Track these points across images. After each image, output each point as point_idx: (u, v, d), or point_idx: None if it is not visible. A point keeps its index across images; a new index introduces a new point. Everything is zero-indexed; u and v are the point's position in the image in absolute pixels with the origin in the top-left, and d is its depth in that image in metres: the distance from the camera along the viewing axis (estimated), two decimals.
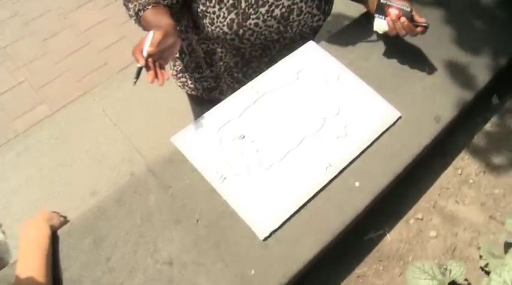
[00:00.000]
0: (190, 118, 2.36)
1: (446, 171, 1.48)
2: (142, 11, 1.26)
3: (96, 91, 2.76)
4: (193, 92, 1.72)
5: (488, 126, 1.58)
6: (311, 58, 1.40)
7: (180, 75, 1.70)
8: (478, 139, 1.55)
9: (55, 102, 2.70)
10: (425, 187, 1.44)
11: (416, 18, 1.29)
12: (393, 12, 1.29)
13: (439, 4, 1.69)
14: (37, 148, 2.50)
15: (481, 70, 1.49)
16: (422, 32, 1.31)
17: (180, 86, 1.74)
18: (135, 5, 1.27)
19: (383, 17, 1.32)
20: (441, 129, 1.34)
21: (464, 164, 1.49)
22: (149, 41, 1.09)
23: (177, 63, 1.68)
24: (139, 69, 1.09)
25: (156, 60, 1.11)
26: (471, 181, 1.46)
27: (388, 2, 1.30)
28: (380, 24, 1.34)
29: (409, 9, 1.27)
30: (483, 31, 1.61)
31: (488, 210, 1.39)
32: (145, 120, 2.64)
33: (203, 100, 1.73)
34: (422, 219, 1.38)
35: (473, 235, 1.34)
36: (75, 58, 2.90)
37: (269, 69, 1.36)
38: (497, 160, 1.50)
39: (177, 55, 1.63)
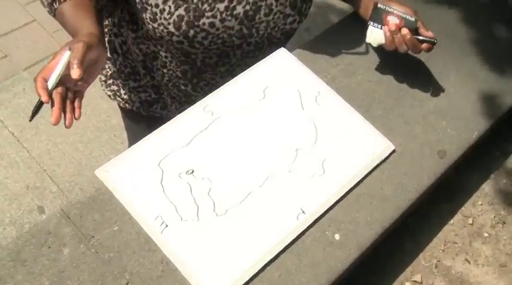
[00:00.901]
0: (123, 139, 2.42)
1: (452, 220, 1.59)
2: (57, 2, 1.30)
3: None
4: (127, 105, 1.79)
5: (509, 163, 1.72)
6: (282, 71, 1.49)
7: (111, 81, 1.77)
8: (496, 179, 1.68)
9: None
10: (426, 241, 1.54)
11: (422, 31, 1.38)
12: (393, 21, 1.38)
13: (453, 2, 1.81)
14: None
15: (502, 92, 1.61)
16: (429, 50, 1.40)
17: (110, 96, 1.82)
18: None
19: (379, 26, 1.41)
20: (446, 166, 1.43)
21: (477, 211, 1.61)
22: (61, 67, 1.09)
23: (107, 66, 1.75)
24: (40, 105, 1.09)
25: (71, 87, 1.13)
26: (486, 234, 1.57)
27: (387, 8, 1.39)
28: (375, 35, 1.43)
29: (413, 19, 1.36)
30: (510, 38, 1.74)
31: (511, 274, 1.49)
32: (62, 136, 2.71)
33: (140, 116, 1.81)
34: (421, 282, 1.46)
35: None
36: None
37: (227, 83, 1.45)
38: None
39: (108, 54, 1.69)
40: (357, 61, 1.59)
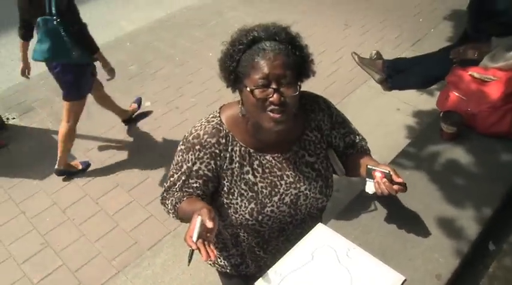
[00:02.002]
0: None
1: None
2: (178, 203, 1.56)
3: (128, 269, 2.99)
4: (222, 269, 1.92)
5: (490, 272, 1.75)
6: (322, 239, 1.63)
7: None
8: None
9: (91, 283, 2.92)
10: None
11: (394, 177, 1.48)
12: (378, 175, 1.53)
13: (422, 168, 1.97)
14: None
15: (471, 222, 1.72)
16: (402, 190, 1.51)
17: (210, 264, 1.96)
18: (171, 201, 1.59)
19: (372, 180, 1.57)
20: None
21: None
22: (198, 226, 1.31)
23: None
24: (192, 252, 1.31)
25: (205, 240, 1.34)
26: None
27: (373, 167, 1.56)
28: (369, 186, 1.59)
29: (388, 171, 1.52)
30: (466, 187, 1.88)
31: None
32: None
33: (231, 275, 1.93)
34: None
35: None
36: (107, 239, 3.17)
37: (287, 252, 1.60)
38: None
39: None
40: (371, 222, 1.72)
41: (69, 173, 3.68)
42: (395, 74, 2.99)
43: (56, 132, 3.99)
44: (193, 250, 1.30)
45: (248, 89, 1.39)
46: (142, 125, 4.17)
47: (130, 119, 4.17)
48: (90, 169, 3.75)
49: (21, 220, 3.36)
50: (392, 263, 1.57)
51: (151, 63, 4.77)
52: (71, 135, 3.54)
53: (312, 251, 1.60)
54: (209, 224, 1.31)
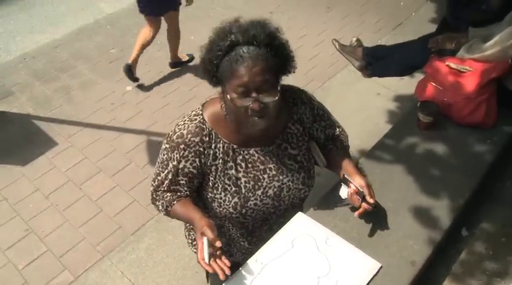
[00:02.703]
0: (201, 273, 2.60)
1: None
2: (170, 207, 1.64)
3: (113, 254, 3.04)
4: None
5: (462, 257, 1.86)
6: (302, 228, 1.70)
7: (195, 243, 1.91)
8: (455, 270, 1.81)
9: (76, 268, 2.96)
10: None
11: (367, 198, 1.57)
12: (352, 187, 1.63)
13: (399, 159, 2.05)
14: None
15: (445, 210, 1.81)
16: (370, 209, 1.59)
17: (195, 252, 1.96)
18: (162, 203, 1.65)
19: (346, 187, 1.66)
20: (417, 271, 1.62)
21: None
22: (206, 247, 1.40)
23: (191, 233, 1.98)
24: (208, 273, 1.49)
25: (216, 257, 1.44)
26: None
27: (349, 179, 1.65)
28: (343, 191, 1.69)
29: (362, 190, 1.60)
30: (440, 177, 1.96)
31: None
32: (161, 277, 2.89)
33: None
34: None
35: None
36: (91, 225, 3.21)
37: (268, 241, 1.66)
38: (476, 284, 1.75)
39: (191, 227, 1.93)
40: (348, 211, 1.78)
41: (180, 63, 4.53)
42: (375, 61, 3.05)
43: (37, 117, 4.03)
44: (208, 272, 1.43)
45: (229, 97, 1.43)
46: (125, 110, 4.16)
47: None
48: (72, 154, 3.75)
49: (3, 206, 3.36)
50: (369, 250, 1.64)
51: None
52: (178, 34, 4.33)
53: (292, 240, 1.66)
54: (218, 244, 1.41)
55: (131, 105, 4.22)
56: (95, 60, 4.77)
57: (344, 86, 4.31)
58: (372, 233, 1.72)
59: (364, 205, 1.57)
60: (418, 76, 2.52)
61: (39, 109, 4.18)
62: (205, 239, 1.42)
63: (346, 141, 1.87)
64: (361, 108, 4.02)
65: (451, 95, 2.16)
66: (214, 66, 1.46)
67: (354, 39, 3.35)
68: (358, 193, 1.61)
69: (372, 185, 1.65)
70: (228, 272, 1.39)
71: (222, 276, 1.38)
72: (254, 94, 1.41)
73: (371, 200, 1.56)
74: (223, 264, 1.40)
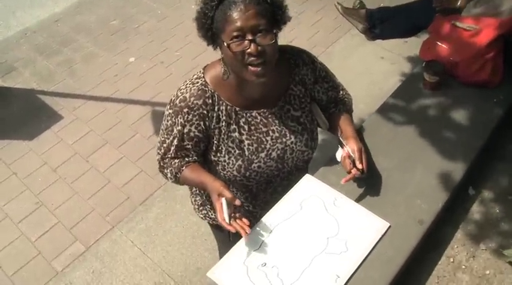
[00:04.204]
0: (211, 241, 2.62)
1: (440, 261, 1.72)
2: (179, 173, 1.63)
3: (122, 224, 3.07)
4: (214, 221, 1.98)
5: (470, 215, 1.86)
6: (310, 189, 1.70)
7: (201, 208, 1.97)
8: (463, 228, 1.81)
9: (87, 239, 2.99)
10: (425, 278, 1.67)
11: (357, 163, 1.56)
12: (345, 150, 1.62)
13: (405, 118, 2.03)
14: (81, 282, 2.78)
15: (452, 169, 1.79)
16: (358, 175, 1.57)
17: (202, 217, 2.02)
18: (171, 170, 1.65)
19: (341, 149, 1.65)
20: (425, 229, 1.62)
21: (455, 252, 1.74)
22: (225, 208, 1.43)
23: (197, 199, 1.97)
24: (229, 233, 1.52)
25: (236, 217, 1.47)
26: (463, 266, 1.70)
27: (343, 141, 1.64)
28: (339, 154, 1.68)
29: (352, 155, 1.59)
30: (447, 136, 1.95)
31: None
32: (171, 246, 2.93)
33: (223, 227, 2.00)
34: None
35: None
36: (99, 196, 3.24)
37: (276, 204, 1.66)
38: (484, 244, 1.75)
39: (197, 192, 1.93)
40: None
41: None
42: (379, 23, 2.98)
43: (41, 92, 4.01)
44: (229, 231, 1.45)
45: (225, 44, 1.41)
46: (128, 81, 4.13)
47: None
48: (78, 127, 3.74)
49: (13, 181, 3.39)
50: (377, 210, 1.64)
51: (134, 18, 4.67)
52: None
53: (300, 202, 1.66)
54: (237, 202, 1.44)
55: (135, 76, 4.19)
56: (97, 32, 4.71)
57: (347, 51, 4.26)
58: (379, 193, 1.71)
59: (352, 170, 1.55)
60: (423, 37, 2.46)
61: (43, 84, 4.15)
62: (223, 200, 1.43)
63: (350, 105, 1.84)
64: (365, 72, 3.98)
65: (457, 54, 2.13)
66: (208, 18, 1.44)
67: (357, 1, 3.28)
68: (350, 157, 1.58)
69: (365, 151, 1.64)
70: (248, 230, 1.42)
71: (244, 235, 1.42)
72: (249, 37, 1.38)
73: (359, 166, 1.55)
74: (242, 223, 1.44)
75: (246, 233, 1.43)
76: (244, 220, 1.46)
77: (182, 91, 1.57)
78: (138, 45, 4.52)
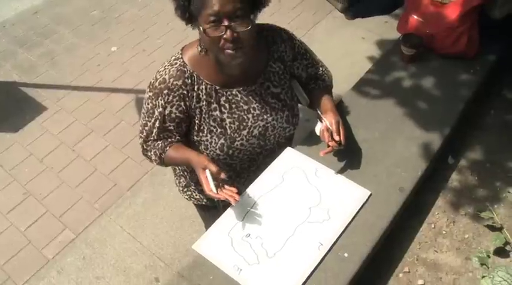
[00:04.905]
0: (198, 223, 2.64)
1: (422, 227, 1.76)
2: (163, 153, 1.63)
3: (111, 210, 3.08)
4: (199, 202, 1.99)
5: (449, 183, 1.90)
6: (291, 162, 1.72)
7: (186, 189, 1.98)
8: (444, 195, 1.86)
9: (77, 226, 3.00)
10: (407, 245, 1.72)
11: (334, 135, 1.57)
12: (323, 123, 1.63)
13: (384, 91, 2.06)
14: (68, 270, 2.78)
15: (431, 140, 1.82)
16: (336, 147, 1.58)
17: (187, 198, 2.03)
18: (155, 152, 1.64)
19: (320, 123, 1.66)
20: (406, 196, 1.65)
21: (436, 219, 1.79)
22: (211, 179, 1.44)
23: (181, 180, 1.97)
24: (218, 202, 1.54)
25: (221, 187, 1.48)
26: (444, 231, 1.74)
27: (321, 115, 1.66)
28: (318, 128, 1.69)
29: (330, 128, 1.60)
30: (426, 107, 1.97)
31: (463, 253, 1.67)
32: (159, 229, 2.95)
33: (208, 207, 2.01)
34: (409, 272, 1.64)
35: (454, 276, 1.61)
36: (87, 184, 3.24)
37: (259, 176, 1.68)
38: (463, 209, 1.80)
39: (181, 173, 1.94)
40: None
41: None
42: (357, 2, 3.00)
43: (23, 84, 3.99)
44: (216, 200, 1.49)
45: (201, 28, 1.40)
46: (111, 70, 4.11)
47: None
48: (62, 117, 3.72)
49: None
50: (358, 179, 1.66)
51: (114, 7, 4.64)
52: None
53: (282, 174, 1.68)
54: (223, 175, 1.44)
55: (117, 65, 4.17)
56: (77, 23, 4.67)
57: (329, 32, 4.27)
58: (360, 164, 1.73)
59: (330, 143, 1.56)
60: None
61: (25, 76, 4.12)
62: (208, 172, 1.44)
63: (330, 81, 1.85)
64: (346, 53, 3.99)
65: (433, 26, 2.15)
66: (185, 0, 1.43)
67: None
68: (328, 130, 1.60)
69: (343, 124, 1.64)
70: (238, 197, 1.43)
71: (233, 202, 1.42)
72: (226, 23, 1.37)
73: (336, 138, 1.56)
74: (231, 192, 1.44)
75: (236, 200, 1.43)
76: (232, 188, 1.46)
77: (161, 73, 1.56)
78: (119, 35, 4.49)
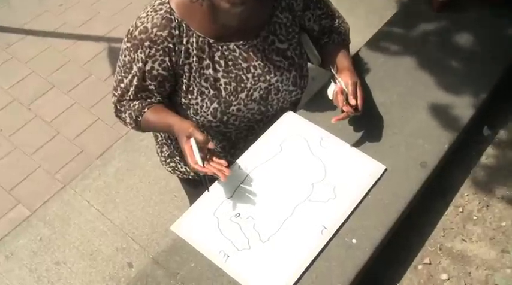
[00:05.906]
0: (181, 197, 2.66)
1: (447, 211, 1.76)
2: (140, 116, 1.61)
3: (76, 182, 3.09)
4: (184, 176, 2.00)
5: (483, 159, 1.89)
6: (291, 128, 1.72)
7: (169, 160, 1.99)
8: (476, 174, 1.85)
9: (33, 201, 3.02)
10: (429, 231, 1.72)
11: (350, 98, 1.55)
12: (338, 84, 1.61)
13: (407, 46, 2.03)
14: (20, 255, 2.80)
15: (462, 107, 1.81)
16: (352, 112, 1.57)
17: (170, 171, 2.04)
18: (130, 114, 1.63)
19: (334, 84, 1.65)
20: (429, 173, 1.64)
21: (465, 201, 1.78)
22: (196, 149, 1.42)
23: (164, 149, 1.98)
24: (204, 176, 1.47)
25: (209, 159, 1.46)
26: (475, 217, 1.73)
27: (336, 75, 1.64)
28: (331, 90, 1.67)
29: (346, 89, 1.59)
30: (458, 66, 1.95)
31: (499, 244, 1.66)
32: (134, 205, 2.97)
33: (194, 181, 2.02)
34: (430, 263, 1.64)
35: (487, 272, 1.60)
36: (46, 150, 3.24)
37: (252, 145, 1.68)
38: (499, 192, 1.78)
39: (164, 141, 1.95)
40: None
41: None
42: None
43: None
44: (203, 175, 1.45)
45: None
46: (77, 11, 4.06)
47: None
48: (15, 68, 3.69)
49: None
50: (371, 151, 1.66)
51: None
52: None
53: (280, 142, 1.68)
54: (210, 145, 1.43)
55: (85, 6, 4.12)
56: None
57: None
58: (374, 132, 1.72)
59: (344, 107, 1.55)
60: None
61: None
62: (192, 141, 1.43)
63: (347, 34, 1.84)
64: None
65: None
66: None
67: None
68: (343, 92, 1.58)
69: (361, 86, 1.63)
70: (228, 172, 1.40)
71: (223, 178, 1.40)
72: None
73: (352, 102, 1.54)
74: (220, 165, 1.42)
75: (225, 175, 1.40)
76: (222, 161, 1.43)
77: (143, 20, 1.52)
78: None
